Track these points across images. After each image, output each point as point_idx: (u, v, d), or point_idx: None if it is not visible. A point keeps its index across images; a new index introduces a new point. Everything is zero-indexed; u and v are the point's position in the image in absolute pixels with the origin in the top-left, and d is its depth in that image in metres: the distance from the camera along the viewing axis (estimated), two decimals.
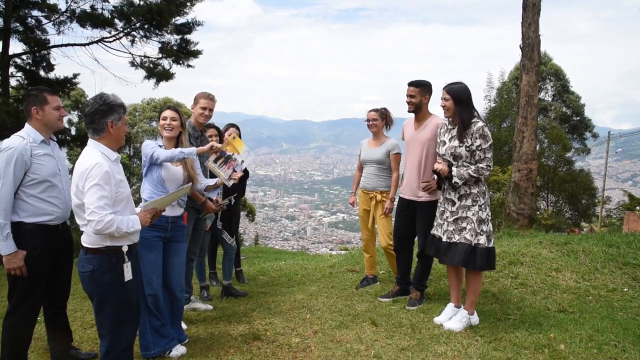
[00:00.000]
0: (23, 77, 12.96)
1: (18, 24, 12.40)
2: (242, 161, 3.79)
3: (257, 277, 6.23)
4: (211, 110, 4.35)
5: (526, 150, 7.52)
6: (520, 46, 7.72)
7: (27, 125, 3.21)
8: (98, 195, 2.57)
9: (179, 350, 3.55)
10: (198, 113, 4.30)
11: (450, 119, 4.04)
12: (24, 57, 12.71)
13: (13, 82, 12.61)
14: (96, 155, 2.68)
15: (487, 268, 3.94)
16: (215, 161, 3.69)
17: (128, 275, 2.77)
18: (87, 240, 2.72)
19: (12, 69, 12.29)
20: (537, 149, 8.42)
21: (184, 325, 3.99)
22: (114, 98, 2.78)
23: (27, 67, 12.86)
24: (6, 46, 11.53)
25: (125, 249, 2.76)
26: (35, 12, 12.76)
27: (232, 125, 5.31)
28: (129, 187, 2.85)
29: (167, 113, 3.69)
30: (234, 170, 3.77)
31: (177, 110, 3.74)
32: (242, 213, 5.82)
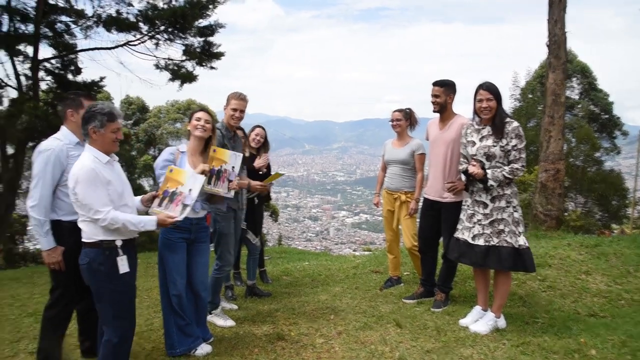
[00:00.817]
0: (52, 80, 13.29)
1: (47, 30, 12.74)
2: (233, 167, 3.66)
3: (281, 277, 6.25)
4: (242, 111, 4.25)
5: (553, 150, 7.35)
6: (546, 44, 7.55)
7: (62, 127, 3.37)
8: (95, 196, 2.79)
9: (204, 349, 3.59)
10: (229, 115, 4.22)
11: (480, 119, 3.97)
12: (53, 61, 13.03)
13: (43, 85, 12.96)
14: (85, 159, 2.86)
15: (533, 269, 3.90)
16: (159, 205, 3.27)
17: (123, 268, 2.91)
18: (84, 235, 2.89)
19: (41, 73, 12.63)
20: (565, 148, 8.22)
21: (223, 323, 4.12)
22: (102, 107, 2.91)
23: (56, 71, 13.19)
24: (36, 51, 11.85)
25: (119, 243, 2.89)
26: (63, 18, 13.09)
27: (258, 126, 5.35)
28: (120, 188, 2.96)
29: (202, 115, 3.67)
30: (229, 181, 3.64)
31: (211, 114, 3.75)
32: (265, 213, 5.86)
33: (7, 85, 12.47)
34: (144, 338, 3.93)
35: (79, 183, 2.78)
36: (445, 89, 4.38)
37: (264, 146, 5.34)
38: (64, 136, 3.31)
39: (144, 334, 4.02)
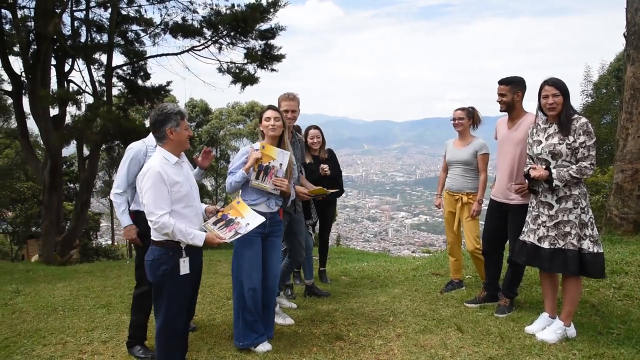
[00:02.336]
0: (124, 86, 14.11)
1: (120, 38, 13.55)
2: (248, 224, 3.29)
3: (340, 277, 6.25)
4: (294, 111, 4.25)
5: (631, 149, 6.86)
6: (624, 34, 7.05)
7: None
8: (153, 198, 2.90)
9: (265, 347, 3.65)
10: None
11: (546, 117, 3.78)
12: (124, 68, 13.85)
13: (115, 91, 13.78)
14: (155, 161, 2.98)
15: (598, 275, 3.63)
16: (214, 223, 3.28)
17: (184, 269, 2.99)
18: (152, 233, 3.02)
19: (114, 79, 13.44)
20: None
21: (282, 322, 4.19)
22: (172, 107, 3.05)
23: (127, 77, 13.99)
24: (110, 59, 12.62)
25: (183, 245, 2.99)
26: (134, 27, 13.89)
27: (315, 127, 5.37)
28: (188, 187, 3.06)
29: (270, 114, 3.72)
30: (237, 233, 3.24)
31: (278, 110, 3.81)
32: None
33: (84, 91, 13.39)
34: (207, 332, 4.07)
35: (144, 183, 2.92)
36: (511, 87, 4.19)
37: (322, 147, 5.36)
38: (148, 139, 3.72)
39: (207, 329, 4.16)
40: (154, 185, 2.89)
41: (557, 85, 3.64)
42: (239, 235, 3.22)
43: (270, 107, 3.78)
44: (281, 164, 3.72)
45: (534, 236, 3.76)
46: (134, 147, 3.66)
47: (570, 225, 3.59)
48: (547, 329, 3.78)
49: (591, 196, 10.28)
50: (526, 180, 3.86)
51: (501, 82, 4.23)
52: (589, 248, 3.57)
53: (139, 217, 3.63)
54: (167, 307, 3.02)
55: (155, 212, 2.88)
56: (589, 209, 3.65)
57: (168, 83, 14.26)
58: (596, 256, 3.57)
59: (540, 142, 3.76)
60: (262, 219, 3.36)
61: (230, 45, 13.37)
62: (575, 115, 3.63)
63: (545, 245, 3.67)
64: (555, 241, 3.62)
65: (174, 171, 3.00)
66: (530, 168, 3.75)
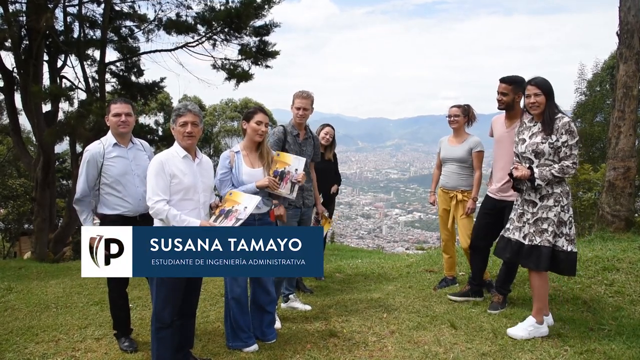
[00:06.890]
0: (117, 82, 14.02)
1: (113, 34, 13.46)
2: (245, 207, 3.37)
3: (334, 274, 6.26)
4: (306, 109, 4.36)
5: (623, 147, 6.91)
6: (617, 33, 7.10)
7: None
8: (152, 184, 3.04)
9: (250, 348, 3.61)
10: (294, 113, 4.38)
11: (531, 116, 3.79)
12: (117, 64, 13.76)
13: (108, 87, 13.69)
14: (164, 152, 3.18)
15: (569, 273, 3.72)
16: (214, 220, 3.35)
17: None
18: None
19: (107, 76, 13.35)
20: (637, 145, 7.69)
21: (277, 325, 4.07)
22: (177, 105, 3.20)
23: (120, 73, 13.90)
24: (103, 55, 12.53)
25: None
26: (127, 23, 13.81)
27: (328, 125, 5.44)
28: (188, 183, 3.13)
29: (262, 118, 3.70)
30: (238, 219, 3.31)
31: (268, 114, 3.81)
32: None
33: (77, 87, 13.29)
34: (201, 330, 4.06)
35: (149, 170, 3.08)
36: (514, 87, 4.15)
37: (331, 146, 5.45)
38: (105, 138, 3.69)
39: (200, 326, 4.15)
40: (155, 173, 3.04)
41: (539, 85, 3.64)
42: (240, 221, 3.28)
43: (262, 111, 3.78)
44: (296, 169, 3.79)
45: (519, 234, 3.78)
46: (90, 150, 3.60)
47: (548, 223, 3.61)
48: (519, 324, 3.80)
49: (583, 194, 10.33)
50: (511, 180, 3.88)
51: (504, 81, 4.18)
52: (562, 246, 3.61)
53: (106, 221, 3.61)
54: (157, 295, 3.10)
55: (152, 198, 3.03)
56: (569, 208, 3.67)
57: (162, 79, 14.20)
58: (569, 254, 3.62)
59: (524, 141, 3.77)
60: (258, 199, 3.43)
61: (225, 42, 13.33)
62: (559, 115, 3.65)
63: (526, 241, 3.70)
64: (533, 237, 3.66)
65: (179, 164, 3.11)
66: (513, 167, 3.77)
